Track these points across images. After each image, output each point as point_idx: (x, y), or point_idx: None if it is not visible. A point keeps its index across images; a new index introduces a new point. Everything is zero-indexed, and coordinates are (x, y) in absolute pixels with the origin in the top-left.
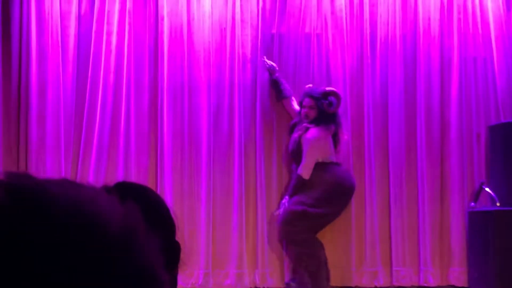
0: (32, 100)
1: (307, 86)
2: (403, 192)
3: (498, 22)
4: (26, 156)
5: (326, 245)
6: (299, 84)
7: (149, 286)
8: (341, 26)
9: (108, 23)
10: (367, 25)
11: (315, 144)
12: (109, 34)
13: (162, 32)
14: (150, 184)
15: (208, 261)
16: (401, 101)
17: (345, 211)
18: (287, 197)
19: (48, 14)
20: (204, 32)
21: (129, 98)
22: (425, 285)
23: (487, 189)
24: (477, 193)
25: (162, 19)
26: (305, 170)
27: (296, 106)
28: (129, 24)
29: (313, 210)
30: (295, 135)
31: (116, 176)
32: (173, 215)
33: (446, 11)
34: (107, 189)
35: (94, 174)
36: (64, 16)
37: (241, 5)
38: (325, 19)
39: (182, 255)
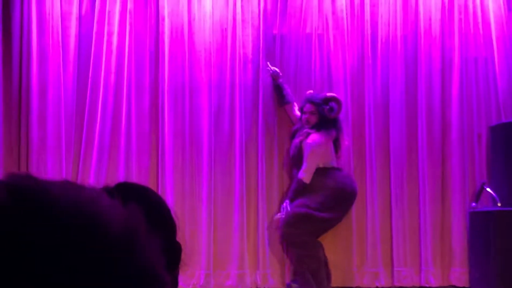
0: (33, 101)
1: (308, 92)
2: (404, 192)
3: (499, 23)
4: (27, 157)
5: (327, 246)
6: (300, 85)
7: (151, 287)
8: (342, 27)
9: (109, 23)
10: (368, 25)
11: (316, 149)
12: (110, 34)
13: (163, 32)
14: (151, 185)
15: (209, 262)
16: (402, 102)
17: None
18: (287, 200)
19: (49, 14)
20: (205, 33)
21: (130, 99)
22: (426, 285)
23: (488, 189)
24: (478, 194)
25: (163, 19)
26: (305, 174)
27: (297, 112)
28: (130, 24)
29: (316, 213)
30: (296, 140)
31: (117, 176)
32: (174, 216)
33: (447, 12)
34: (108, 189)
35: (95, 174)
36: (64, 17)
37: (242, 6)
38: (326, 19)
39: (183, 256)
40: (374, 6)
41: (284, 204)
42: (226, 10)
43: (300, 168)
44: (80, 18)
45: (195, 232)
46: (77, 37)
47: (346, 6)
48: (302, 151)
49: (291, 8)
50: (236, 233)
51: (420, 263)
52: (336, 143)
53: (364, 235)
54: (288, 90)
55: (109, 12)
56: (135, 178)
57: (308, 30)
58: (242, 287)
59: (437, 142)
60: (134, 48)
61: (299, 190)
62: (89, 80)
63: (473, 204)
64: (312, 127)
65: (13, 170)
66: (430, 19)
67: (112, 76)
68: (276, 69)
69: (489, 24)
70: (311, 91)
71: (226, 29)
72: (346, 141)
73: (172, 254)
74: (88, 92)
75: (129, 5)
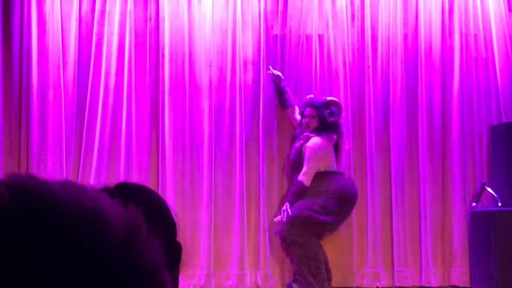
0: (33, 101)
1: (308, 96)
2: (405, 192)
3: (499, 23)
4: (27, 157)
5: (328, 246)
6: (300, 85)
7: (152, 286)
8: (342, 27)
9: (109, 24)
10: (368, 25)
11: (316, 153)
12: (110, 35)
13: (163, 33)
14: (152, 185)
15: (210, 262)
16: (403, 102)
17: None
18: (287, 203)
19: (49, 15)
20: (205, 34)
21: (130, 99)
22: (427, 285)
23: (488, 189)
24: (479, 193)
25: (163, 20)
26: (306, 177)
27: (298, 116)
28: (130, 25)
29: (318, 216)
30: (297, 144)
31: (117, 177)
32: (174, 216)
33: (447, 12)
34: (107, 189)
35: (95, 175)
36: (64, 17)
37: (242, 6)
38: (326, 20)
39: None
40: (374, 6)
41: (284, 207)
42: (226, 11)
43: (300, 171)
44: (80, 18)
45: (195, 232)
46: (77, 37)
47: (346, 6)
48: (302, 154)
49: (291, 8)
50: (237, 233)
51: (421, 263)
52: (337, 147)
53: (365, 235)
54: (290, 94)
55: (109, 12)
56: (135, 178)
57: (308, 31)
58: (242, 287)
59: (438, 142)
60: (134, 49)
61: (299, 193)
62: (89, 81)
63: (474, 204)
64: (313, 131)
65: (13, 170)
66: (430, 19)
67: (112, 77)
68: (279, 73)
69: (489, 24)
70: (312, 95)
71: (226, 30)
72: (346, 145)
73: (173, 254)
74: (88, 92)
75: (129, 6)
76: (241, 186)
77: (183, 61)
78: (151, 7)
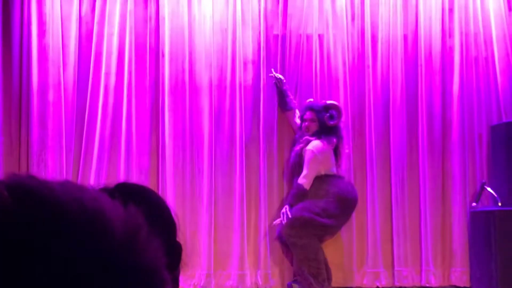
0: (33, 101)
1: (308, 100)
2: (405, 192)
3: (499, 22)
4: (27, 157)
5: (328, 246)
6: (300, 86)
7: (152, 286)
8: (342, 27)
9: (109, 24)
10: (368, 25)
11: (316, 156)
12: (110, 35)
13: (163, 33)
14: (152, 186)
15: (210, 262)
16: (403, 102)
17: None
18: (287, 206)
19: (49, 15)
20: (205, 33)
21: (130, 100)
22: (427, 285)
23: (488, 189)
24: (479, 193)
25: (163, 20)
26: (305, 180)
27: (298, 120)
28: (130, 25)
29: (318, 219)
30: (297, 147)
31: (117, 177)
32: (174, 216)
33: (447, 12)
34: (107, 190)
35: (95, 175)
36: (65, 18)
37: (242, 6)
38: (326, 20)
39: (183, 256)
40: (374, 6)
41: (284, 209)
42: (226, 10)
43: (300, 174)
44: (80, 19)
45: (195, 233)
46: (77, 38)
47: (346, 6)
48: (302, 158)
49: (291, 8)
50: (237, 233)
51: (421, 263)
52: (336, 151)
53: (365, 235)
54: (291, 97)
55: (109, 13)
56: (135, 178)
57: (308, 31)
58: (242, 287)
59: (438, 142)
60: (134, 49)
61: (298, 196)
62: (90, 81)
63: (474, 203)
64: (313, 135)
65: (13, 170)
66: (430, 19)
67: (112, 77)
68: (280, 76)
69: (489, 24)
70: (311, 99)
71: (226, 30)
72: (346, 149)
73: (173, 254)
74: (89, 93)
75: (129, 6)
76: (241, 185)
77: (183, 61)
78: (151, 8)
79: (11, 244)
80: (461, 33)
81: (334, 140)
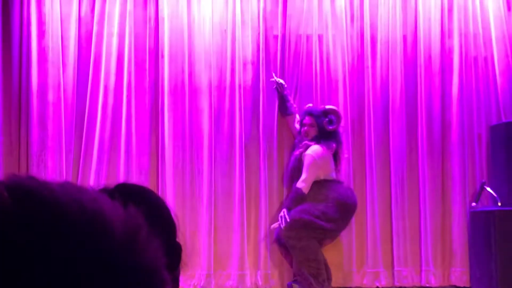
0: (33, 102)
1: (307, 105)
2: (405, 192)
3: (498, 22)
4: (27, 158)
5: (327, 246)
6: (300, 87)
7: (152, 287)
8: (342, 27)
9: (108, 25)
10: (367, 26)
11: (315, 161)
12: (109, 36)
13: (163, 33)
14: (152, 186)
15: (210, 262)
16: (402, 102)
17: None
18: (285, 209)
19: (49, 16)
20: (204, 34)
21: (130, 100)
22: (427, 285)
23: (488, 189)
24: (479, 193)
25: (163, 20)
26: (304, 184)
27: (297, 125)
28: (130, 26)
29: (318, 221)
30: (296, 152)
31: (117, 178)
32: (174, 216)
33: (447, 12)
34: (107, 190)
35: (95, 176)
36: (64, 18)
37: (241, 7)
38: (326, 20)
39: (183, 256)
40: (373, 6)
41: (282, 213)
42: (225, 11)
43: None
44: (79, 19)
45: (195, 233)
46: (77, 38)
47: (346, 6)
48: (302, 162)
49: (290, 9)
50: (237, 233)
51: (421, 263)
52: (336, 156)
53: (365, 235)
54: (291, 102)
55: (108, 13)
56: (135, 179)
57: (307, 32)
58: (242, 287)
59: (437, 142)
60: (134, 49)
61: (297, 200)
62: (89, 81)
63: (474, 203)
64: (312, 140)
65: (13, 170)
66: (429, 20)
67: (112, 78)
68: (281, 81)
69: (489, 24)
70: (311, 104)
71: (225, 31)
72: (346, 154)
73: (173, 254)
74: (88, 93)
75: (129, 6)
76: (241, 186)
77: (182, 62)
78: (151, 8)
79: (11, 245)
80: (460, 34)
81: (334, 145)
